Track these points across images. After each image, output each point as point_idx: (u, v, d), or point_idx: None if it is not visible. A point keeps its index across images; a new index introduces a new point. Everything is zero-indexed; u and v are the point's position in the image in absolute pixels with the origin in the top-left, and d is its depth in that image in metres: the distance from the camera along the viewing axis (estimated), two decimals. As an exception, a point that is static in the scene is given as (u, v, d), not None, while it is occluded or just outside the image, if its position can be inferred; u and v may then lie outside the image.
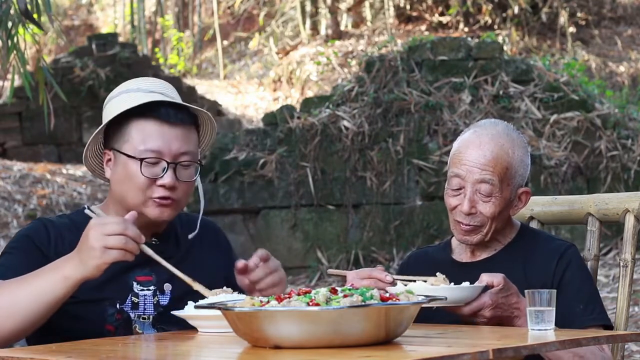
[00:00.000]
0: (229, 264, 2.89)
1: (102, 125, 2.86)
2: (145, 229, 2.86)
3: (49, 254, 2.78)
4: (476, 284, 2.78)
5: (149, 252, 2.66)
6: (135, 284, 2.84)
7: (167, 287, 2.85)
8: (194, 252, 2.96)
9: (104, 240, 2.53)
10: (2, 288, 2.63)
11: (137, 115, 2.81)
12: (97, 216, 2.84)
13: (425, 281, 2.79)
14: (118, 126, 2.84)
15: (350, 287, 2.38)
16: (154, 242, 2.89)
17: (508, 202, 2.97)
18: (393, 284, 2.83)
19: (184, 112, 2.85)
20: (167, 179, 2.79)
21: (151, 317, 2.84)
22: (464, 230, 2.98)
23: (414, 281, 2.81)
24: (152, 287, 2.85)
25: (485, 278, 2.79)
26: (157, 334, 2.78)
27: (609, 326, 2.94)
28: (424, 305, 2.52)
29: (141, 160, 2.78)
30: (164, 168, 2.79)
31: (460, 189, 2.97)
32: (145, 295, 2.85)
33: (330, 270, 3.14)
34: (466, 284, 2.78)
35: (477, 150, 2.95)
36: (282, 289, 2.77)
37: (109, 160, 2.87)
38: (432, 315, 2.83)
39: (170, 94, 2.89)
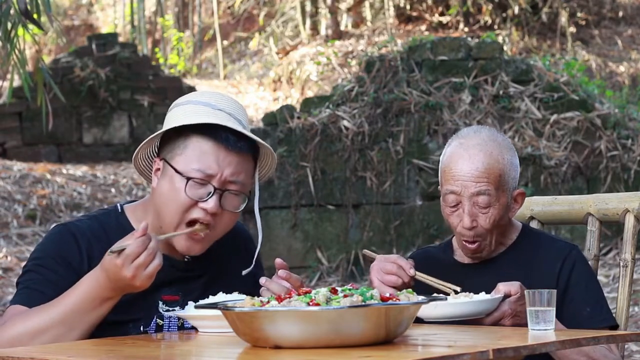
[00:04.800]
0: (252, 275, 2.83)
1: (160, 132, 2.72)
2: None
3: (80, 271, 2.65)
4: (493, 293, 2.79)
5: (163, 237, 2.61)
6: (161, 303, 2.74)
7: (191, 306, 2.72)
8: (226, 266, 2.84)
9: (146, 274, 2.48)
10: (31, 316, 2.56)
11: (196, 132, 2.68)
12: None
13: (449, 289, 2.83)
14: (175, 137, 2.71)
15: (350, 287, 2.38)
16: (185, 260, 2.78)
17: (506, 207, 2.96)
18: (413, 278, 2.85)
19: (245, 140, 2.70)
20: (211, 203, 2.65)
21: None
22: (471, 250, 2.97)
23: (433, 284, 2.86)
24: (177, 308, 2.74)
25: (502, 288, 2.79)
26: (157, 334, 2.77)
27: (615, 326, 2.94)
28: (442, 320, 2.57)
29: (188, 179, 2.65)
30: (210, 192, 2.66)
31: (457, 204, 2.94)
32: (170, 317, 2.75)
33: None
34: (482, 294, 2.80)
35: (467, 163, 2.91)
36: None
37: (158, 169, 2.73)
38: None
39: (237, 115, 2.75)
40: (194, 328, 2.70)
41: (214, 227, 2.70)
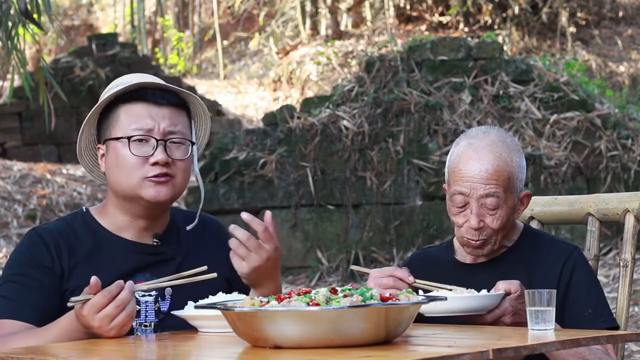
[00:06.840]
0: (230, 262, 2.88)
1: (89, 113, 2.83)
2: (145, 230, 2.85)
3: (53, 266, 2.75)
4: (492, 291, 2.78)
5: (144, 287, 2.62)
6: None
7: (168, 291, 2.81)
8: (196, 250, 2.91)
9: (114, 326, 2.50)
10: (22, 340, 2.59)
11: (125, 102, 2.81)
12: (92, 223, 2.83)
13: (450, 289, 2.80)
14: (107, 118, 2.83)
15: (350, 287, 2.38)
16: (154, 243, 2.86)
17: (512, 208, 2.95)
18: (413, 285, 2.83)
19: (172, 95, 2.84)
20: (159, 155, 2.76)
21: (153, 324, 2.80)
22: (473, 246, 2.95)
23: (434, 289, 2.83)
24: (153, 292, 2.80)
25: (502, 286, 2.78)
26: (158, 334, 2.78)
27: (616, 327, 2.94)
28: (444, 315, 2.56)
29: (129, 138, 2.76)
30: (154, 146, 2.76)
31: (464, 205, 2.92)
32: (147, 301, 2.80)
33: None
34: (484, 291, 2.79)
35: (477, 164, 2.89)
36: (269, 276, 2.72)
37: (103, 154, 2.84)
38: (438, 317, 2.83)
39: (157, 82, 2.87)
40: (170, 313, 2.73)
41: (174, 175, 2.79)
